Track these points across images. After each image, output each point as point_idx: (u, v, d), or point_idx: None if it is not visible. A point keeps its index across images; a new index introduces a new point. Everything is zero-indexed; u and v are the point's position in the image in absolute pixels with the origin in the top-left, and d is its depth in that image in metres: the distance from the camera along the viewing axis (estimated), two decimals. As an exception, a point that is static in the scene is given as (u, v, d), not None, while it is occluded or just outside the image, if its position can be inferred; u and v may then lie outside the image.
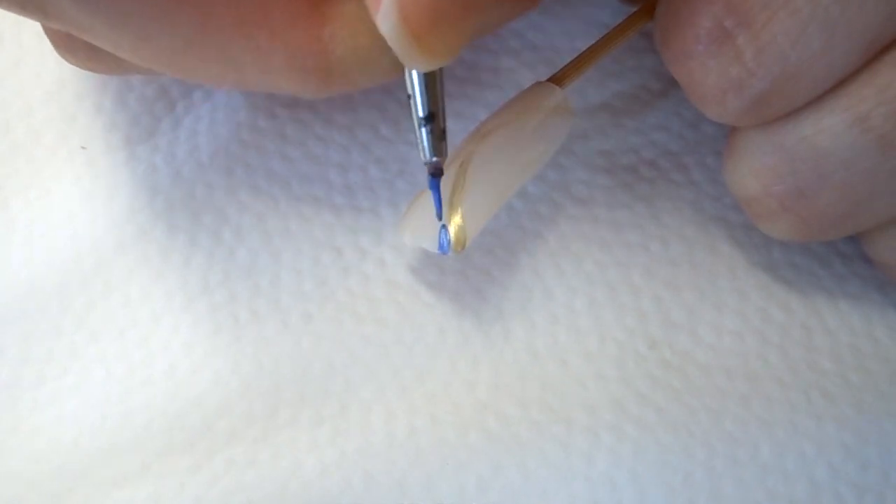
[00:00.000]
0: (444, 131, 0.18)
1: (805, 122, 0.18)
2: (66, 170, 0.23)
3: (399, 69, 0.17)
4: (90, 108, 0.24)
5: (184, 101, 0.24)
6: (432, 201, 0.19)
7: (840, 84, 0.17)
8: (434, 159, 0.18)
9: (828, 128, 0.17)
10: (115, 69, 0.20)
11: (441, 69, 0.17)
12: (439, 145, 0.18)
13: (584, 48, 0.21)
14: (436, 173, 0.19)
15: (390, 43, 0.15)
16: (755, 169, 0.19)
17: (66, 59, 0.20)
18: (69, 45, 0.19)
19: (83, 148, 0.23)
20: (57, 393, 0.21)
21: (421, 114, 0.17)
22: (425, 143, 0.18)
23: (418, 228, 0.20)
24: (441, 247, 0.20)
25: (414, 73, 0.17)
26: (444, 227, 0.19)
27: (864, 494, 0.20)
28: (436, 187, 0.19)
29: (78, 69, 0.21)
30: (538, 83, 0.20)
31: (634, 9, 0.21)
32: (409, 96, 0.17)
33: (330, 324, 0.22)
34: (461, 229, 0.20)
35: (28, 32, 0.24)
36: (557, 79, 0.20)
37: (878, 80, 0.16)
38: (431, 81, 0.17)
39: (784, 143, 0.18)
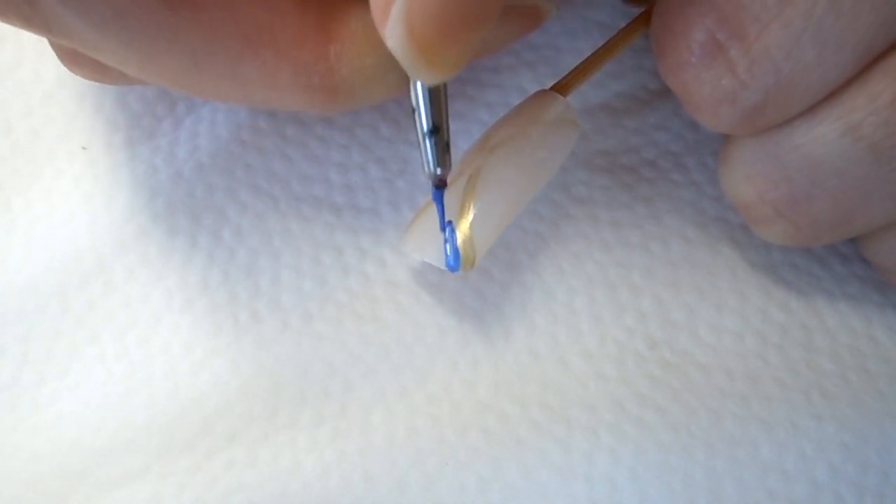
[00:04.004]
0: (447, 143, 0.18)
1: (798, 131, 0.18)
2: (67, 170, 0.23)
3: (402, 87, 0.18)
4: (90, 108, 0.24)
5: (184, 101, 0.24)
6: (436, 214, 0.19)
7: (832, 93, 0.17)
8: (438, 171, 0.18)
9: (820, 136, 0.17)
10: (121, 81, 0.20)
11: (445, 83, 0.17)
12: (444, 157, 0.18)
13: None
14: (440, 185, 0.19)
15: (397, 56, 0.15)
16: (749, 176, 0.19)
17: (73, 72, 0.20)
18: (76, 58, 0.20)
19: (84, 148, 0.23)
20: (57, 393, 0.21)
21: (426, 127, 0.17)
22: (430, 156, 0.18)
23: (424, 243, 0.20)
24: (449, 265, 0.20)
25: (419, 86, 0.17)
26: (452, 244, 0.19)
27: (864, 494, 0.20)
28: (439, 199, 0.19)
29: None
30: (541, 91, 0.20)
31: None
32: (413, 109, 0.17)
33: (330, 324, 0.22)
34: (471, 247, 0.19)
35: (28, 33, 0.24)
36: (560, 87, 0.20)
37: (870, 90, 0.17)
38: (436, 95, 0.17)
39: (778, 151, 0.18)
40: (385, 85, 0.18)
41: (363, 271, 0.22)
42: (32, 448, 0.21)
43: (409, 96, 0.17)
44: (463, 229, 0.19)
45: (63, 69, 0.23)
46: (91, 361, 0.22)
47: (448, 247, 0.19)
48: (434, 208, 0.20)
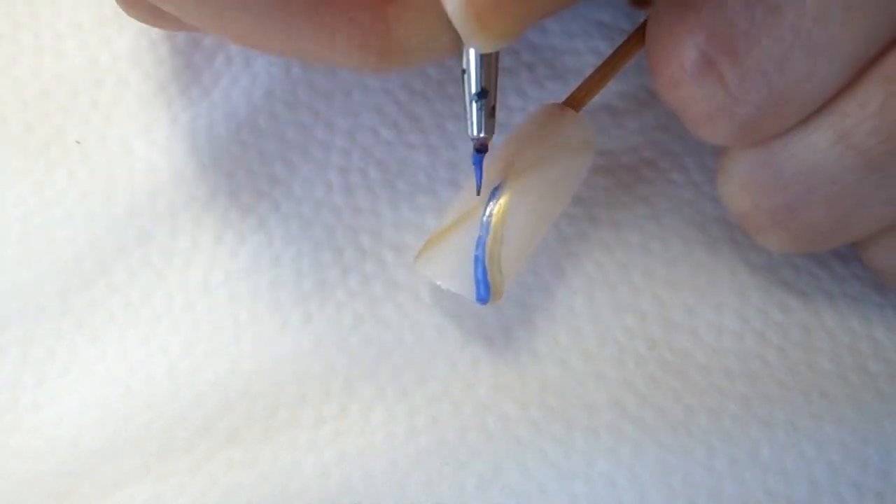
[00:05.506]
0: (493, 109, 0.18)
1: (792, 140, 0.18)
2: (61, 165, 0.23)
3: (455, 49, 0.18)
4: (86, 103, 0.23)
5: (181, 99, 0.23)
6: (462, 241, 0.19)
7: (825, 102, 0.17)
8: (482, 135, 0.18)
9: (814, 144, 0.17)
10: (176, 27, 0.20)
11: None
12: (488, 122, 0.18)
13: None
14: (481, 149, 0.19)
15: (454, 22, 0.15)
16: (745, 185, 0.19)
17: (129, 14, 0.20)
18: (134, 2, 0.19)
19: (77, 143, 0.23)
20: (57, 393, 0.21)
21: (474, 90, 0.17)
22: (475, 119, 0.18)
23: (449, 273, 0.20)
24: (481, 298, 0.19)
25: (472, 49, 0.17)
26: (484, 277, 0.19)
27: (864, 494, 0.20)
28: (479, 163, 0.19)
29: (72, 61, 0.20)
30: (559, 108, 0.20)
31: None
32: (463, 71, 0.17)
33: (330, 324, 0.22)
34: (500, 279, 0.19)
35: (25, 28, 0.24)
36: (574, 103, 0.20)
37: (861, 97, 0.17)
38: (488, 59, 0.17)
39: (773, 160, 0.18)
40: (439, 47, 0.18)
41: (363, 271, 0.22)
42: (32, 448, 0.21)
43: (461, 58, 0.17)
44: (493, 260, 0.19)
45: (59, 65, 0.24)
46: (91, 362, 0.22)
47: (478, 279, 0.19)
48: (456, 233, 0.20)
